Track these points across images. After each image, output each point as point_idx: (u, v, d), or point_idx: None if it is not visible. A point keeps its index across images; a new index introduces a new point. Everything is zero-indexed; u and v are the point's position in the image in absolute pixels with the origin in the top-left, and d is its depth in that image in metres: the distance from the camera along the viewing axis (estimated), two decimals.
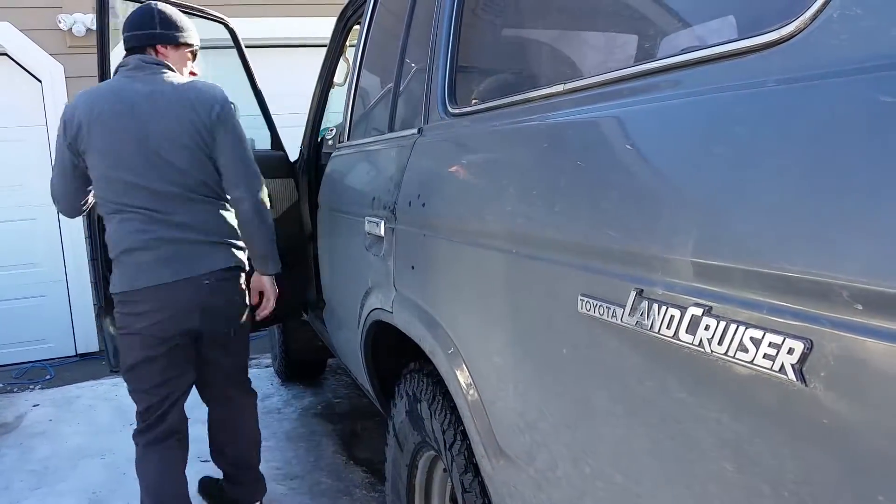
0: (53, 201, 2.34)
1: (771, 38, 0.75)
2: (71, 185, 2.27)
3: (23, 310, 5.03)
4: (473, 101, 1.52)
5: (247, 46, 3.18)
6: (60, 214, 2.54)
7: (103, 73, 2.46)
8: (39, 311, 5.03)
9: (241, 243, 2.33)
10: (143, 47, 2.25)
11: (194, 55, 2.43)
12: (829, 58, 0.69)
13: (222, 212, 2.29)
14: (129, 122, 2.11)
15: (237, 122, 2.26)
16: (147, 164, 2.13)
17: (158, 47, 2.28)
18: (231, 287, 2.32)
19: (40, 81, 4.90)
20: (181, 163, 2.15)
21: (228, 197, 2.28)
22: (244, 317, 2.40)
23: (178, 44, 2.32)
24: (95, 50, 2.47)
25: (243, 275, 2.37)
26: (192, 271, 2.19)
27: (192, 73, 2.39)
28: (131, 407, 3.96)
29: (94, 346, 5.22)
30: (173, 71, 2.26)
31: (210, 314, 2.26)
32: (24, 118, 4.93)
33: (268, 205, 2.33)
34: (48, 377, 4.78)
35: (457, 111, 1.55)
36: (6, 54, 4.82)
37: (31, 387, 4.60)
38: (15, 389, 4.57)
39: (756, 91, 0.76)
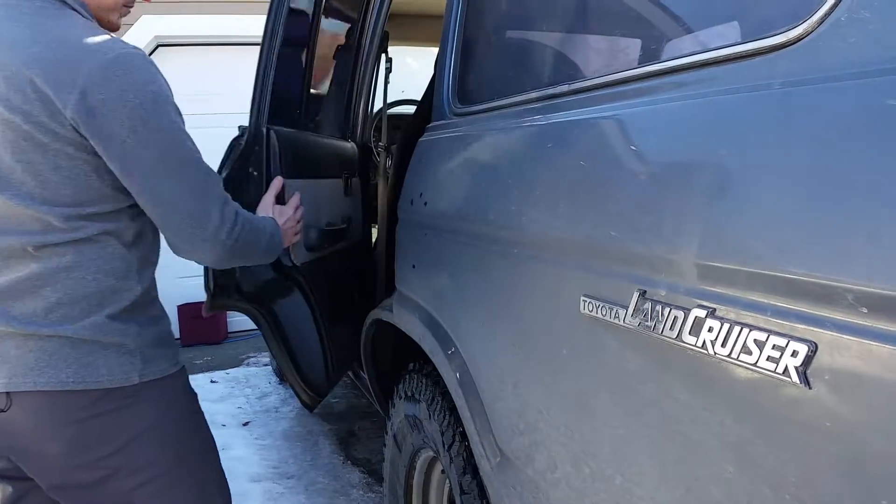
0: None
1: (778, 41, 0.75)
2: None
3: None
4: (478, 100, 1.52)
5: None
6: None
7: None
8: None
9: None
10: None
11: None
12: (836, 61, 0.69)
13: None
14: None
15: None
16: None
17: None
18: None
19: None
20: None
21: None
22: None
23: None
24: None
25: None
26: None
27: (124, 6, 1.36)
28: None
29: None
30: (73, 9, 1.23)
31: None
32: None
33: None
34: None
35: (461, 110, 1.55)
36: None
37: None
38: None
39: (762, 94, 0.76)
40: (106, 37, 1.20)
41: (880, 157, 0.61)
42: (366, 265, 2.56)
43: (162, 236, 1.34)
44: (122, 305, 1.26)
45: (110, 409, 1.25)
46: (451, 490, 1.57)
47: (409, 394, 1.77)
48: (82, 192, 1.20)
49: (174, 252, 1.32)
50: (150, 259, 1.34)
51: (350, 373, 2.82)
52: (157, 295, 1.37)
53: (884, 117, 0.61)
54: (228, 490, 1.51)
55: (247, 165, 2.03)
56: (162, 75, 1.24)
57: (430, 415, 1.63)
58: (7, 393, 1.21)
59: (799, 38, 0.73)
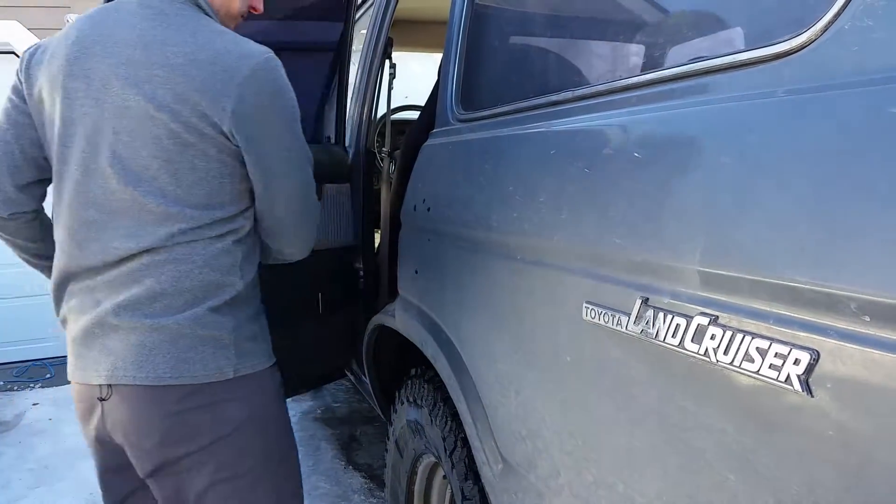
0: None
1: (782, 49, 0.75)
2: None
3: (24, 308, 5.03)
4: (482, 106, 1.52)
5: None
6: None
7: None
8: (41, 309, 5.01)
9: None
10: None
11: None
12: (840, 69, 0.69)
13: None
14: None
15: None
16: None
17: None
18: None
19: None
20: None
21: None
22: None
23: None
24: None
25: None
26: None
27: (252, 9, 1.43)
28: None
29: None
30: (205, 13, 1.30)
31: None
32: None
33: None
34: (48, 376, 4.77)
35: (464, 116, 1.55)
36: (13, 52, 4.83)
37: (32, 385, 4.59)
38: (15, 388, 4.56)
39: (766, 101, 0.76)
40: (249, 41, 1.25)
41: (884, 165, 0.61)
42: (348, 270, 2.54)
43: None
44: (224, 299, 1.28)
45: (204, 403, 1.28)
46: (452, 496, 1.57)
47: (411, 399, 1.77)
48: (214, 194, 1.24)
49: (271, 247, 1.41)
50: (253, 257, 1.37)
51: (352, 377, 2.81)
52: (256, 292, 1.40)
53: (888, 125, 0.61)
54: (302, 496, 1.51)
55: None
56: None
57: (431, 420, 1.63)
58: (109, 384, 1.26)
59: (803, 46, 0.73)
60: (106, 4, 1.29)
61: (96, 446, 1.37)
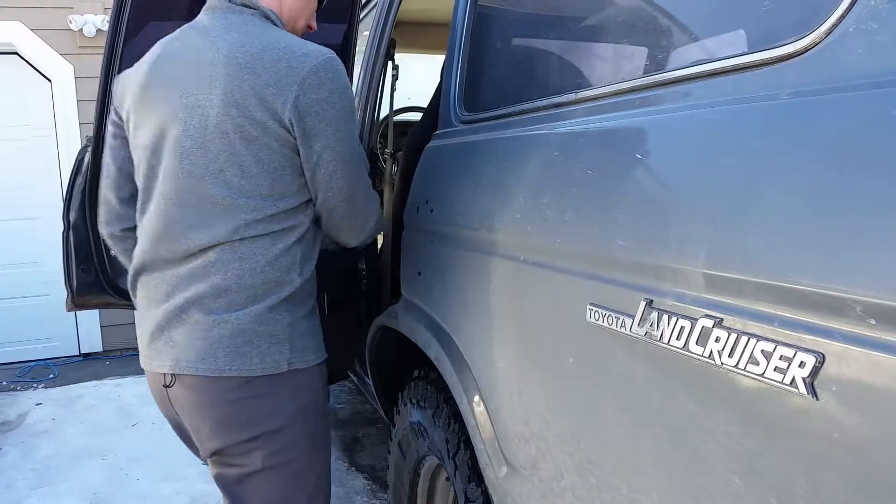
0: None
1: (785, 52, 0.75)
2: None
3: (27, 308, 5.04)
4: (485, 108, 1.52)
5: None
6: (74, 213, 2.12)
7: (108, 74, 2.14)
8: (44, 310, 5.04)
9: None
10: None
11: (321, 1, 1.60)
12: (843, 72, 0.69)
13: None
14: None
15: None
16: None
17: None
18: None
19: (50, 81, 4.92)
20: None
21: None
22: None
23: None
24: (103, 50, 2.40)
25: None
26: None
27: (309, 28, 1.58)
28: (133, 407, 3.96)
29: (97, 346, 5.23)
30: (273, 23, 1.40)
31: None
32: (33, 117, 4.95)
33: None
34: (52, 376, 4.78)
35: (467, 117, 1.55)
36: (17, 53, 4.84)
37: (35, 385, 4.60)
38: (18, 388, 4.57)
39: (770, 104, 0.76)
40: (311, 42, 1.35)
41: (887, 168, 0.61)
42: (350, 272, 2.53)
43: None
44: (282, 297, 1.37)
45: (257, 395, 1.38)
46: (455, 498, 1.57)
47: (414, 401, 1.77)
48: (276, 186, 1.33)
49: (336, 240, 1.54)
50: (311, 255, 1.46)
51: (355, 379, 2.81)
52: (312, 290, 1.49)
53: (892, 127, 0.61)
54: (330, 492, 1.61)
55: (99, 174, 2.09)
56: None
57: (434, 422, 1.63)
58: (173, 374, 1.39)
59: (807, 49, 0.73)
60: (184, 25, 1.44)
61: (171, 423, 1.55)
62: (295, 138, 1.31)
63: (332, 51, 1.35)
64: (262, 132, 1.29)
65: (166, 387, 1.41)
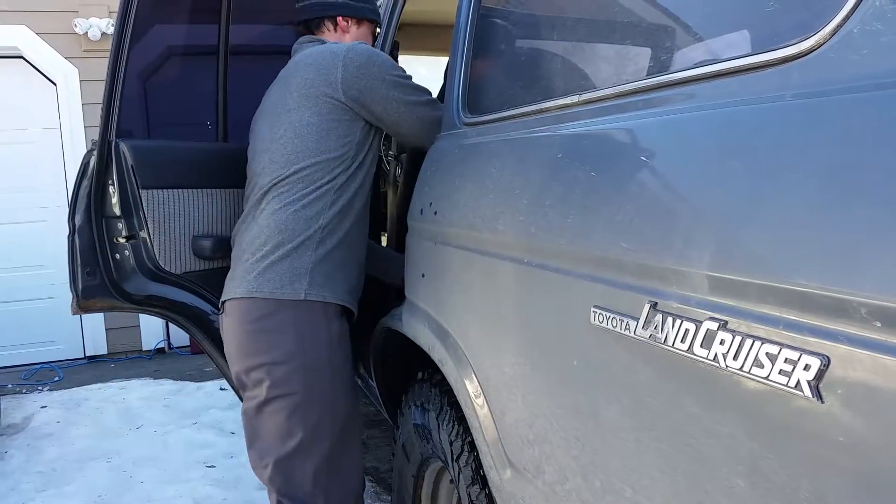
0: None
1: (790, 53, 0.75)
2: None
3: (33, 311, 5.06)
4: (488, 110, 1.52)
5: None
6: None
7: (114, 78, 2.17)
8: (49, 312, 5.05)
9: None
10: (319, 20, 1.95)
11: (375, 35, 2.08)
12: (848, 73, 0.68)
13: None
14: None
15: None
16: None
17: (339, 20, 1.94)
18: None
19: (55, 84, 4.94)
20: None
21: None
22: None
23: (362, 17, 1.96)
24: (109, 53, 2.40)
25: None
26: None
27: None
28: (138, 410, 3.96)
29: (102, 349, 5.24)
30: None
31: None
32: (39, 120, 4.97)
33: None
34: (57, 379, 4.80)
35: (471, 120, 1.55)
36: (22, 57, 4.86)
37: (40, 388, 4.62)
38: (23, 390, 4.58)
39: (774, 105, 0.75)
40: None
41: (892, 169, 0.60)
42: None
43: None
44: (310, 243, 1.74)
45: (270, 327, 1.73)
46: (459, 501, 1.57)
47: (418, 403, 1.77)
48: (322, 142, 1.75)
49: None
50: (346, 211, 1.79)
51: (358, 380, 2.81)
52: (346, 241, 1.81)
53: None
54: (346, 430, 1.85)
55: (104, 178, 2.13)
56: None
57: (438, 424, 1.63)
58: (223, 301, 1.82)
59: (811, 50, 0.73)
60: None
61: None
62: (347, 105, 1.75)
63: (359, 42, 1.87)
64: (312, 102, 1.75)
65: (221, 314, 1.84)
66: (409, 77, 1.82)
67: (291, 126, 1.74)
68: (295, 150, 1.73)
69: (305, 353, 1.72)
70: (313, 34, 1.96)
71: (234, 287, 1.78)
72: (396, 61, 2.40)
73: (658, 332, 0.83)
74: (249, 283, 1.73)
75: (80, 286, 2.17)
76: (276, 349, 1.71)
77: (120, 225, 2.17)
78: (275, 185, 1.75)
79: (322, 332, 1.76)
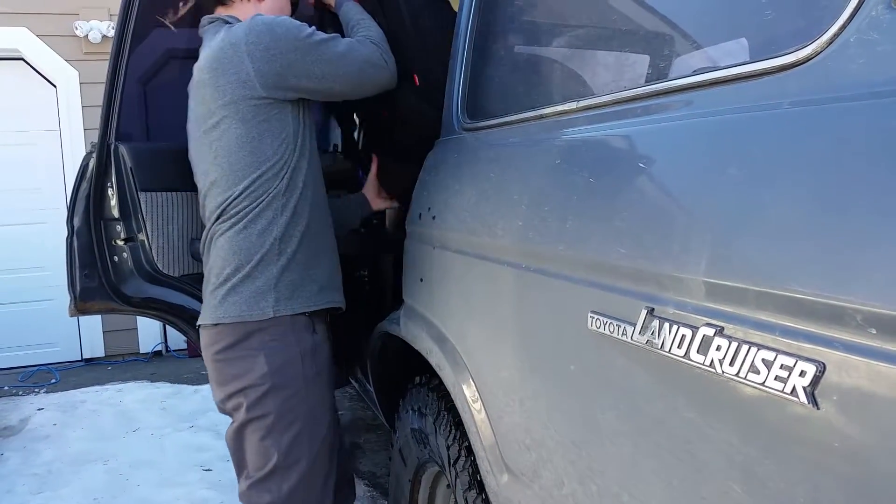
0: None
1: (787, 61, 0.76)
2: None
3: (31, 313, 5.05)
4: (487, 115, 1.53)
5: None
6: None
7: (114, 80, 2.18)
8: (47, 314, 5.05)
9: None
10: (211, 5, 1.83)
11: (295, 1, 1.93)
12: (845, 81, 0.69)
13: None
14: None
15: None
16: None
17: None
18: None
19: (55, 87, 4.94)
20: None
21: None
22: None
23: None
24: (109, 56, 2.39)
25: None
26: None
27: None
28: (135, 413, 3.95)
29: (99, 352, 5.23)
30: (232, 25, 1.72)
31: None
32: (39, 122, 4.97)
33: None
34: (53, 381, 4.78)
35: (470, 125, 1.55)
36: (23, 59, 4.87)
37: (37, 390, 4.60)
38: (20, 392, 4.57)
39: (771, 113, 0.76)
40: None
41: (889, 177, 0.61)
42: (353, 278, 2.54)
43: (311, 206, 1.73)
44: (267, 259, 1.65)
45: (240, 353, 1.66)
46: None
47: (415, 407, 1.77)
48: (253, 155, 1.63)
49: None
50: (301, 204, 1.69)
51: (356, 385, 2.81)
52: (313, 235, 1.72)
53: (893, 137, 0.61)
54: (330, 455, 1.79)
55: (103, 180, 2.14)
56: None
57: (435, 429, 1.63)
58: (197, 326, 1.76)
59: (808, 58, 0.73)
60: None
61: None
62: (273, 97, 1.63)
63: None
64: (231, 112, 1.63)
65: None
66: (315, 29, 1.65)
67: (222, 144, 1.63)
68: (232, 169, 1.63)
69: (276, 374, 1.66)
70: (224, 4, 1.79)
71: (203, 313, 1.73)
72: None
73: (655, 338, 0.83)
74: (215, 308, 1.67)
75: (79, 288, 2.17)
76: (247, 374, 1.66)
77: (118, 227, 2.18)
78: (223, 209, 1.66)
79: (292, 348, 1.68)
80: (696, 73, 0.91)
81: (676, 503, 0.84)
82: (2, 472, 3.31)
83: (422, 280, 1.64)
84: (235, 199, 1.63)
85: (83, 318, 5.14)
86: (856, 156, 0.65)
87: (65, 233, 2.19)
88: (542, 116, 1.25)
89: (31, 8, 4.77)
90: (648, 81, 1.05)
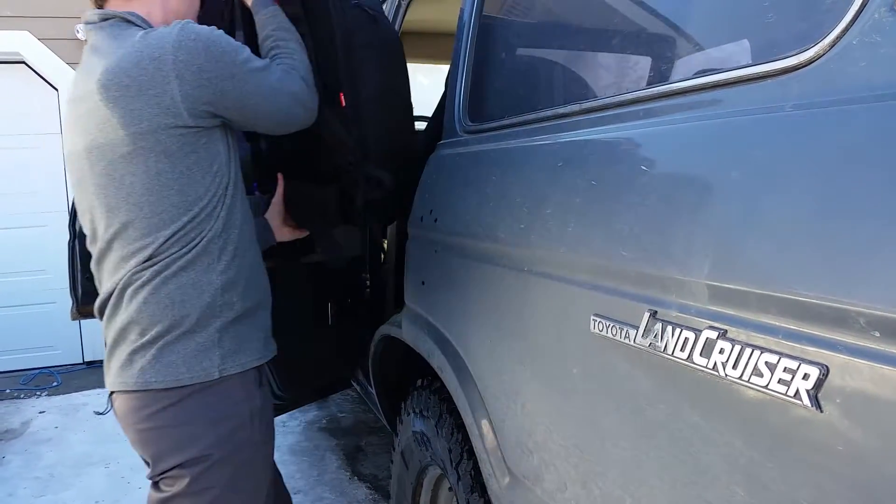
0: None
1: (790, 64, 0.76)
2: None
3: (32, 316, 5.05)
4: (489, 118, 1.53)
5: None
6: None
7: None
8: (48, 317, 5.05)
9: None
10: None
11: None
12: (848, 84, 0.69)
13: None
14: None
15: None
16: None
17: None
18: None
19: (56, 90, 4.95)
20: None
21: None
22: None
23: None
24: None
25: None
26: None
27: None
28: None
29: (101, 355, 5.22)
30: (137, 25, 1.39)
31: None
32: (39, 126, 4.97)
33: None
34: (55, 384, 4.78)
35: (472, 128, 1.55)
36: (24, 62, 4.87)
37: (38, 393, 4.60)
38: (22, 395, 4.57)
39: (774, 115, 0.76)
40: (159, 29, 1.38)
41: (892, 180, 0.61)
42: (354, 281, 2.54)
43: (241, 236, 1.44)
44: (204, 302, 1.36)
45: (176, 422, 1.36)
46: None
47: (417, 410, 1.77)
48: (176, 198, 1.34)
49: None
50: (238, 239, 1.42)
51: (358, 387, 2.81)
52: (251, 267, 1.46)
53: (895, 140, 0.61)
54: None
55: None
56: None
57: (437, 432, 1.63)
58: (110, 392, 1.43)
59: (811, 61, 0.73)
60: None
61: None
62: (199, 126, 1.33)
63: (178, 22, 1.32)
64: (145, 145, 1.30)
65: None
66: (249, 50, 1.38)
67: (138, 180, 1.30)
68: (154, 211, 1.31)
69: (225, 442, 1.39)
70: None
71: (119, 376, 1.37)
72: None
73: (658, 341, 0.83)
74: (141, 371, 1.34)
75: (80, 291, 2.16)
76: (190, 445, 1.36)
77: None
78: (147, 256, 1.33)
79: (242, 410, 1.41)
80: (697, 75, 0.91)
81: None
82: (3, 475, 3.31)
83: (423, 283, 1.64)
84: (162, 244, 1.32)
85: (85, 322, 5.12)
86: (858, 158, 0.65)
87: (66, 236, 2.19)
88: (543, 119, 1.25)
89: (33, 11, 4.78)
90: (650, 84, 1.05)
